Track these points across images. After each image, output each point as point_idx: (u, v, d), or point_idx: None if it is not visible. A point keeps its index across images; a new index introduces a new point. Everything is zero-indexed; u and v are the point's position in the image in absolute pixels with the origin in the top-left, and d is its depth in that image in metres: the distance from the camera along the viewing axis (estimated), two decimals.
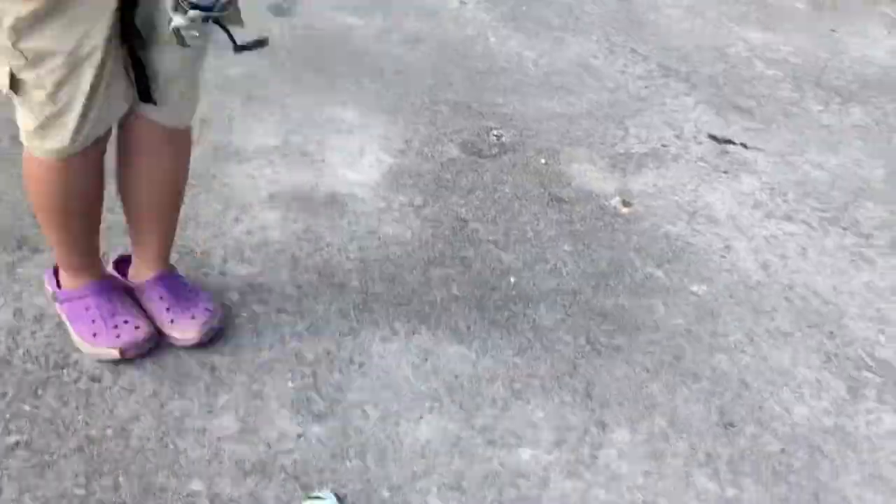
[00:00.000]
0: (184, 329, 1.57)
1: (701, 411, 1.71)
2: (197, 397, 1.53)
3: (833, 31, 4.16)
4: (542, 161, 2.55)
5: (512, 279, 2.01)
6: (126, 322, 1.55)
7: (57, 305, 1.61)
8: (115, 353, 1.54)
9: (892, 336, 2.04)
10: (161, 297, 1.59)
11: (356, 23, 3.28)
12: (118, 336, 1.54)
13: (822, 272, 2.25)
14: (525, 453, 1.55)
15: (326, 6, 3.38)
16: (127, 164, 1.55)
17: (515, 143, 2.63)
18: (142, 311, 1.60)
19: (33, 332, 1.60)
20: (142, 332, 1.56)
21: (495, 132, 2.67)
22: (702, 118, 3.00)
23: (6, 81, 1.28)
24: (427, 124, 2.63)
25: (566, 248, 2.17)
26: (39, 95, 1.29)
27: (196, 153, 2.10)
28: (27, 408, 1.45)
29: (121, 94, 1.37)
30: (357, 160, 2.37)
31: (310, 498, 1.38)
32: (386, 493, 1.43)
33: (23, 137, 1.38)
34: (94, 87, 1.29)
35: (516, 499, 1.46)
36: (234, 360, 1.62)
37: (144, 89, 1.37)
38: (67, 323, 1.59)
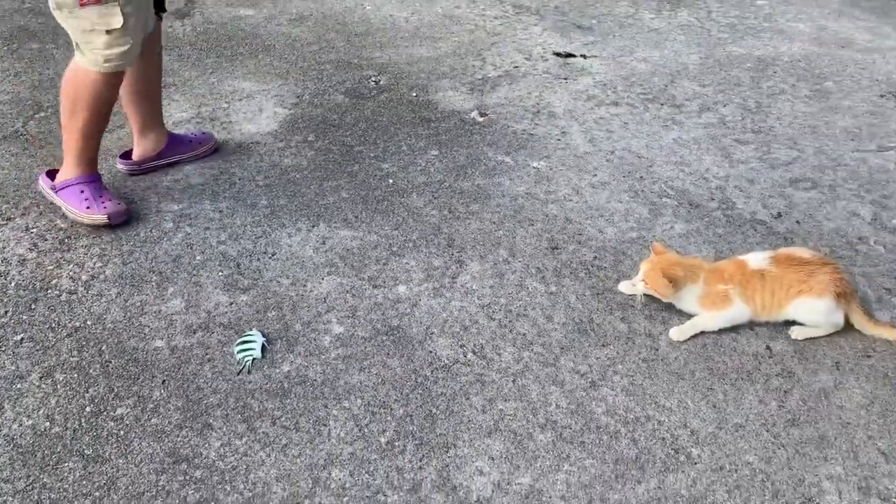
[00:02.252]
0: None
1: (534, 242, 2.27)
2: (151, 292, 2.05)
3: None
4: (414, 94, 3.09)
5: (390, 180, 2.55)
6: (111, 200, 2.23)
7: (53, 195, 2.27)
8: (105, 219, 2.20)
9: (689, 172, 2.62)
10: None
11: (247, 13, 3.78)
12: (105, 208, 2.20)
13: (638, 137, 2.82)
14: (401, 288, 2.09)
15: (221, 3, 3.88)
16: (150, 62, 2.29)
17: (391, 84, 3.17)
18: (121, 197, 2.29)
19: (20, 271, 2.10)
20: (122, 206, 2.25)
21: (374, 79, 3.21)
22: (548, 41, 3.56)
23: None
24: (314, 80, 3.15)
25: (433, 152, 2.71)
26: (118, 18, 1.93)
27: (123, 133, 2.62)
28: (25, 317, 1.96)
29: (152, 13, 2.10)
30: (258, 116, 2.89)
31: (241, 338, 1.91)
32: (298, 327, 1.96)
33: (86, 56, 2.03)
34: (146, 7, 2.03)
35: (395, 315, 2.00)
36: (175, 266, 2.14)
37: (160, 1, 2.22)
38: (64, 204, 2.24)
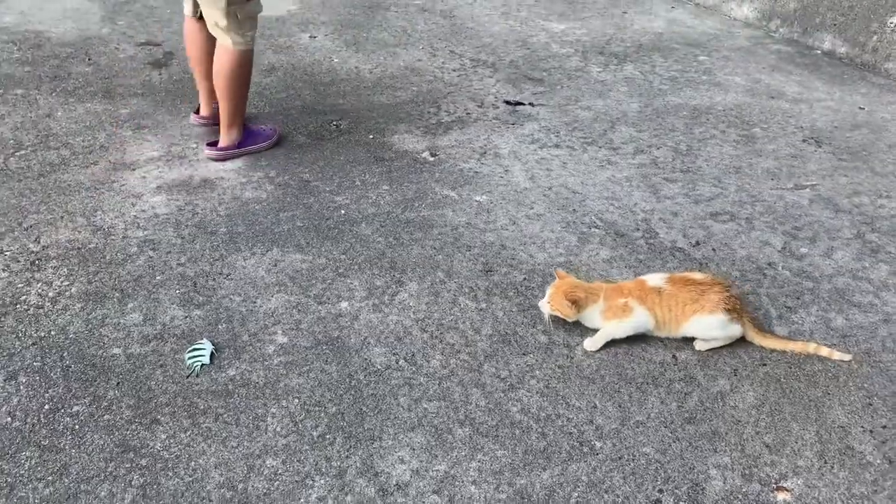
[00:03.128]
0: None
1: (470, 266, 2.48)
2: (112, 307, 2.23)
3: (624, 13, 5.11)
4: (371, 136, 3.33)
5: (342, 211, 2.76)
6: (267, 128, 3.20)
7: (234, 153, 3.06)
8: (276, 138, 3.18)
9: (619, 206, 2.85)
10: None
11: None
12: (271, 134, 3.18)
13: (575, 175, 3.06)
14: (343, 304, 2.29)
15: None
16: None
17: (351, 127, 3.41)
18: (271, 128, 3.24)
19: None
20: (273, 127, 3.23)
21: (335, 122, 3.45)
22: (500, 91, 3.83)
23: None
24: (280, 124, 3.39)
25: (385, 187, 2.94)
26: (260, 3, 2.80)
27: (96, 169, 2.84)
28: None
29: None
30: None
31: (192, 346, 2.08)
32: (246, 337, 2.14)
33: (243, 39, 2.81)
34: None
35: (336, 328, 2.19)
36: (137, 284, 2.33)
37: None
38: (249, 151, 3.09)
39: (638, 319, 2.07)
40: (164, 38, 4.35)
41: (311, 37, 4.50)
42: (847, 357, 2.10)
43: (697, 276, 2.13)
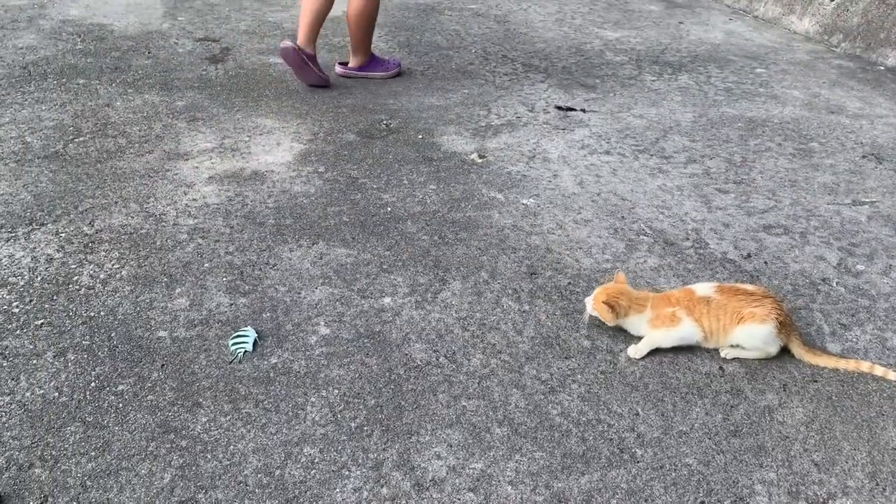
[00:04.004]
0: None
1: (514, 267, 2.46)
2: (160, 291, 2.27)
3: (681, 23, 5.05)
4: (420, 137, 3.34)
5: (388, 209, 2.77)
6: (390, 62, 3.98)
7: (358, 73, 3.93)
8: (397, 71, 3.99)
9: (669, 216, 2.80)
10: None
11: (277, 61, 4.11)
12: (393, 66, 3.97)
13: (625, 182, 3.02)
14: (387, 299, 2.29)
15: (254, 52, 4.22)
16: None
17: (400, 127, 3.43)
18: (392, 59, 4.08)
19: (46, 268, 2.34)
20: (396, 61, 4.03)
21: (385, 122, 3.47)
22: (552, 96, 3.81)
23: None
24: (330, 121, 3.42)
25: (432, 187, 2.94)
26: None
27: (151, 158, 2.90)
28: (46, 305, 2.19)
29: None
30: (275, 149, 3.15)
31: (236, 333, 2.11)
32: (289, 327, 2.16)
33: None
34: None
35: (378, 322, 2.19)
36: (185, 271, 2.37)
37: None
38: (370, 75, 3.95)
39: (685, 330, 2.02)
40: (221, 35, 4.43)
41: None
42: None
43: (748, 287, 2.08)
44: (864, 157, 3.32)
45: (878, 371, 2.04)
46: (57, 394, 1.87)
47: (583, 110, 3.65)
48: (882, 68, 4.44)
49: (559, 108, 3.67)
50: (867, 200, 2.96)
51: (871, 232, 2.75)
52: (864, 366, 2.05)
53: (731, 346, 2.06)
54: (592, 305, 2.07)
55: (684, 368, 2.06)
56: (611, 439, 1.83)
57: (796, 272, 2.50)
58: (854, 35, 4.64)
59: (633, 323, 2.07)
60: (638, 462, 1.77)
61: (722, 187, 3.01)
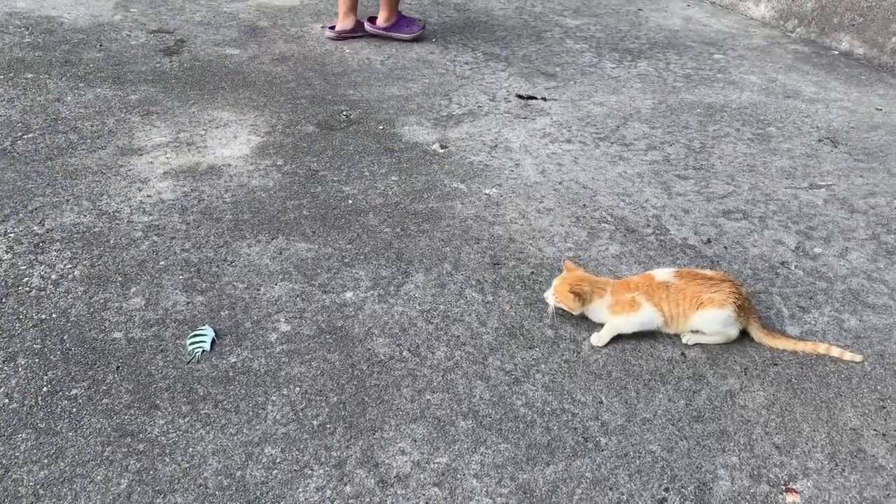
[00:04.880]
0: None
1: (477, 258, 2.44)
2: (114, 291, 2.21)
3: (640, 10, 5.06)
4: (381, 127, 3.30)
5: (350, 201, 2.73)
6: (415, 24, 4.22)
7: (383, 32, 4.20)
8: (420, 32, 4.22)
9: (630, 203, 2.81)
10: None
11: (233, 52, 4.03)
12: (417, 28, 4.21)
13: (586, 171, 3.02)
14: (349, 294, 2.25)
15: (210, 44, 4.13)
16: None
17: (360, 118, 3.38)
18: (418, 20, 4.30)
19: None
20: (421, 24, 4.25)
21: (345, 113, 3.42)
22: (513, 85, 3.79)
23: None
24: (289, 113, 3.37)
25: (393, 178, 2.90)
26: None
27: (104, 154, 2.82)
28: None
29: None
30: (231, 142, 3.09)
31: (193, 332, 2.06)
32: (248, 325, 2.11)
33: None
34: None
35: (340, 317, 2.16)
36: (140, 269, 2.30)
37: None
38: (395, 34, 4.21)
39: (645, 315, 2.03)
40: (176, 26, 4.33)
41: (322, 27, 4.47)
42: (858, 358, 2.06)
43: (707, 272, 2.09)
44: (819, 140, 3.37)
45: (835, 352, 2.07)
46: (7, 400, 1.81)
47: (543, 98, 3.65)
48: (836, 52, 4.51)
49: (520, 96, 3.65)
50: (823, 184, 3.01)
51: (827, 215, 2.78)
52: (822, 347, 2.07)
53: (692, 331, 2.07)
54: (556, 297, 2.07)
55: (647, 355, 2.07)
56: (575, 428, 1.83)
57: (755, 256, 2.52)
58: (809, 20, 4.70)
59: (595, 309, 2.07)
60: (602, 450, 1.77)
61: (682, 173, 3.03)
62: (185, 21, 4.43)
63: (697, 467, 1.74)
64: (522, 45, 4.36)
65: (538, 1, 5.22)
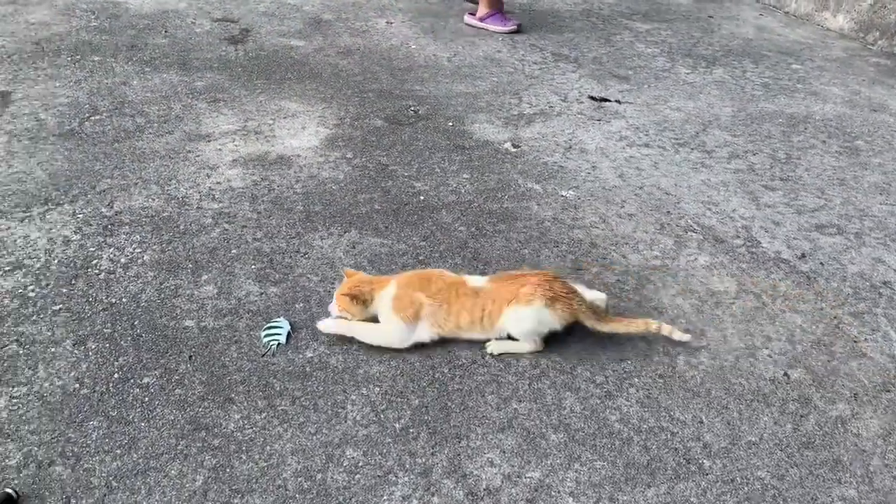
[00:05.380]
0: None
1: (558, 262, 2.32)
2: (185, 277, 2.13)
3: (710, 17, 4.91)
4: (450, 124, 3.20)
5: (421, 197, 2.63)
6: (510, 20, 4.32)
7: (481, 24, 4.35)
8: (515, 28, 4.32)
9: (717, 212, 2.67)
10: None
11: (298, 44, 3.97)
12: (511, 23, 4.31)
13: (667, 176, 2.89)
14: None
15: (274, 34, 4.07)
16: None
17: (429, 114, 3.28)
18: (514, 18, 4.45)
19: (63, 251, 2.20)
20: (517, 22, 4.34)
21: (413, 108, 3.33)
22: (584, 86, 3.67)
23: None
24: (356, 106, 3.28)
25: (465, 176, 2.80)
26: None
27: (171, 139, 2.75)
28: (64, 290, 2.04)
29: None
30: (300, 133, 3.01)
31: (269, 324, 1.97)
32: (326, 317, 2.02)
33: None
34: None
35: None
36: (210, 257, 2.22)
37: None
38: (489, 27, 4.33)
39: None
40: (240, 16, 4.29)
41: (387, 22, 4.39)
42: (686, 337, 1.91)
43: (527, 271, 1.95)
44: None
45: (665, 330, 1.91)
46: (77, 385, 1.73)
47: (617, 101, 3.52)
48: None
49: (593, 98, 3.53)
50: None
51: None
52: (653, 326, 1.91)
53: (497, 338, 1.90)
54: (338, 307, 1.90)
55: (747, 374, 1.93)
56: (675, 449, 1.70)
57: (855, 274, 2.37)
58: (891, 33, 4.50)
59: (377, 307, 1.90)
60: (707, 474, 1.64)
61: (768, 184, 2.88)
62: (249, 11, 4.39)
63: (812, 499, 1.60)
64: (591, 47, 4.23)
65: (605, 4, 5.09)
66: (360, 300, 1.87)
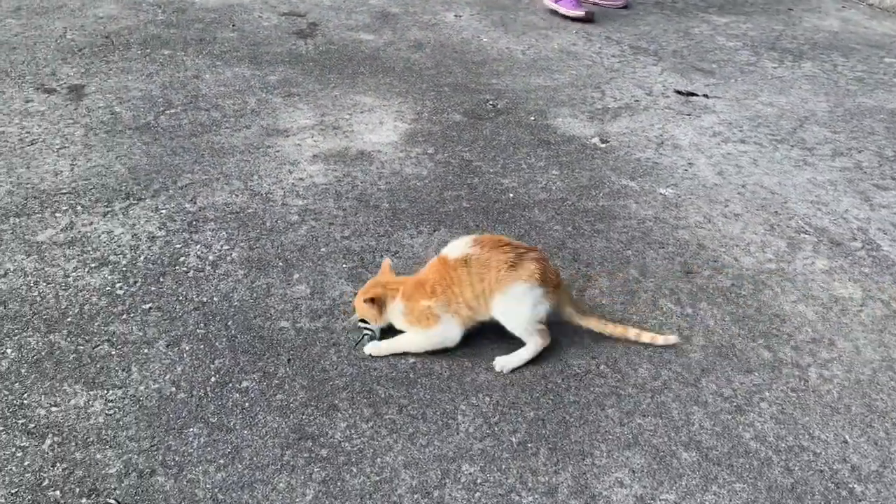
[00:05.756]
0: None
1: (666, 264, 2.17)
2: (277, 276, 2.03)
3: (790, 9, 4.69)
4: (532, 118, 3.07)
5: (510, 195, 2.50)
6: (583, 4, 4.22)
7: (554, 3, 4.28)
8: (583, 14, 4.17)
9: (828, 212, 2.49)
10: None
11: (368, 38, 3.87)
12: (582, 10, 4.13)
13: (770, 174, 2.71)
14: None
15: (343, 28, 3.98)
16: None
17: (508, 108, 3.15)
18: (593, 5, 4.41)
19: (149, 247, 2.12)
20: (590, 9, 4.22)
21: (491, 102, 3.20)
22: (668, 80, 3.51)
23: None
24: (433, 100, 3.16)
25: (554, 172, 2.66)
26: None
27: (249, 133, 2.67)
28: (153, 288, 1.96)
29: None
30: (378, 128, 2.90)
31: (360, 324, 1.84)
32: None
33: None
34: None
35: None
36: (301, 255, 2.12)
37: None
38: (560, 9, 4.27)
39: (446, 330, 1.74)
40: (307, 10, 4.21)
41: (456, 16, 4.27)
42: (673, 339, 1.77)
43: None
44: None
45: (646, 337, 1.80)
46: (174, 389, 1.64)
47: (705, 96, 3.34)
48: None
49: (679, 92, 3.36)
50: None
51: None
52: (632, 333, 1.80)
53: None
54: (357, 310, 1.77)
55: (889, 389, 1.76)
56: (821, 471, 1.54)
57: None
58: None
59: (391, 315, 1.77)
60: (860, 500, 1.48)
61: (879, 183, 2.69)
62: (315, 5, 4.31)
63: None
64: (670, 40, 4.06)
65: None
66: (378, 303, 1.74)
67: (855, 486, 1.51)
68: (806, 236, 2.34)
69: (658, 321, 1.93)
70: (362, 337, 1.79)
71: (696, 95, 3.35)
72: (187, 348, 1.76)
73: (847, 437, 1.63)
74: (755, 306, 2.01)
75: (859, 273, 2.17)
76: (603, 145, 2.85)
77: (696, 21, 4.42)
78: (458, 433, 1.58)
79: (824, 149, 2.92)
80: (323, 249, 2.14)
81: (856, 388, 1.75)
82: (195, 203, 2.32)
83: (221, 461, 1.48)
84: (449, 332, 1.74)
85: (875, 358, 1.85)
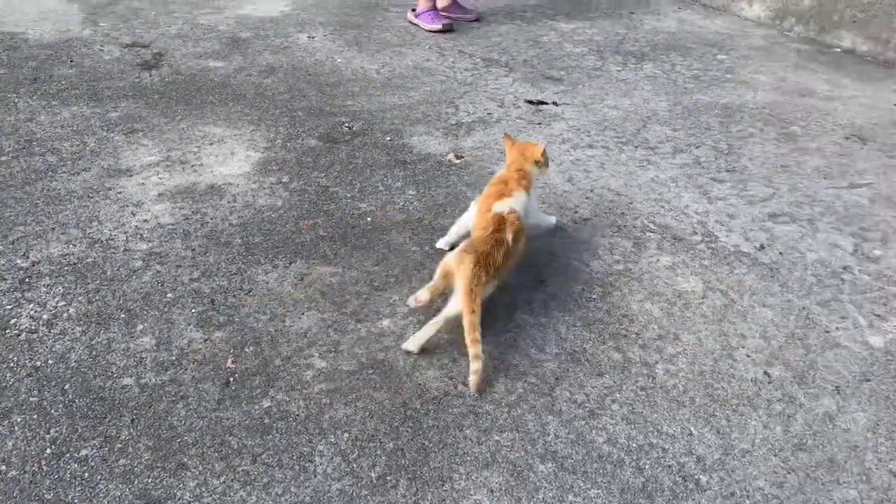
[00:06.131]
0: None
1: (520, 276, 2.21)
2: (118, 329, 1.93)
3: (632, 13, 4.92)
4: (388, 139, 3.06)
5: (368, 219, 2.49)
6: (442, 20, 4.28)
7: (414, 17, 4.37)
8: (440, 27, 4.27)
9: (670, 209, 2.61)
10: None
11: (217, 65, 3.76)
12: (440, 23, 4.25)
13: (616, 176, 2.82)
14: (385, 322, 2.00)
15: (190, 56, 3.85)
16: None
17: (364, 129, 3.14)
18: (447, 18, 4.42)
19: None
20: (448, 22, 4.31)
21: (346, 124, 3.18)
22: (519, 90, 3.59)
23: None
24: (287, 126, 3.11)
25: (411, 192, 2.66)
26: None
27: (88, 176, 2.53)
28: None
29: None
30: (229, 159, 2.82)
31: None
32: (278, 362, 1.85)
33: None
34: None
35: (380, 349, 1.90)
36: (144, 303, 2.02)
37: None
38: (420, 23, 4.35)
39: None
40: (151, 40, 4.05)
41: (309, 37, 4.23)
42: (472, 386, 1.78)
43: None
44: (846, 138, 3.23)
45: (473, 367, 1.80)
46: (4, 467, 1.53)
47: (554, 103, 3.45)
48: (839, 50, 4.41)
49: (530, 101, 3.45)
50: (863, 182, 2.85)
51: (877, 215, 2.62)
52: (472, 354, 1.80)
53: None
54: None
55: (727, 377, 1.86)
56: (669, 466, 1.60)
57: (815, 262, 2.34)
58: (807, 18, 4.60)
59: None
60: (705, 490, 1.55)
61: (716, 176, 2.85)
62: (161, 34, 4.15)
63: None
64: (520, 49, 4.17)
65: (528, 6, 5.05)
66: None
67: (701, 476, 1.58)
68: (651, 234, 2.44)
69: (513, 333, 1.96)
70: None
71: (546, 104, 3.45)
72: (18, 420, 1.63)
73: (692, 429, 1.70)
74: (605, 309, 2.08)
75: (700, 266, 2.28)
76: (458, 161, 2.88)
77: (544, 29, 4.56)
78: (315, 476, 1.54)
79: (666, 147, 3.07)
80: (169, 295, 2.05)
81: (699, 380, 1.84)
82: (27, 258, 2.17)
83: None
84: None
85: (716, 348, 1.95)
